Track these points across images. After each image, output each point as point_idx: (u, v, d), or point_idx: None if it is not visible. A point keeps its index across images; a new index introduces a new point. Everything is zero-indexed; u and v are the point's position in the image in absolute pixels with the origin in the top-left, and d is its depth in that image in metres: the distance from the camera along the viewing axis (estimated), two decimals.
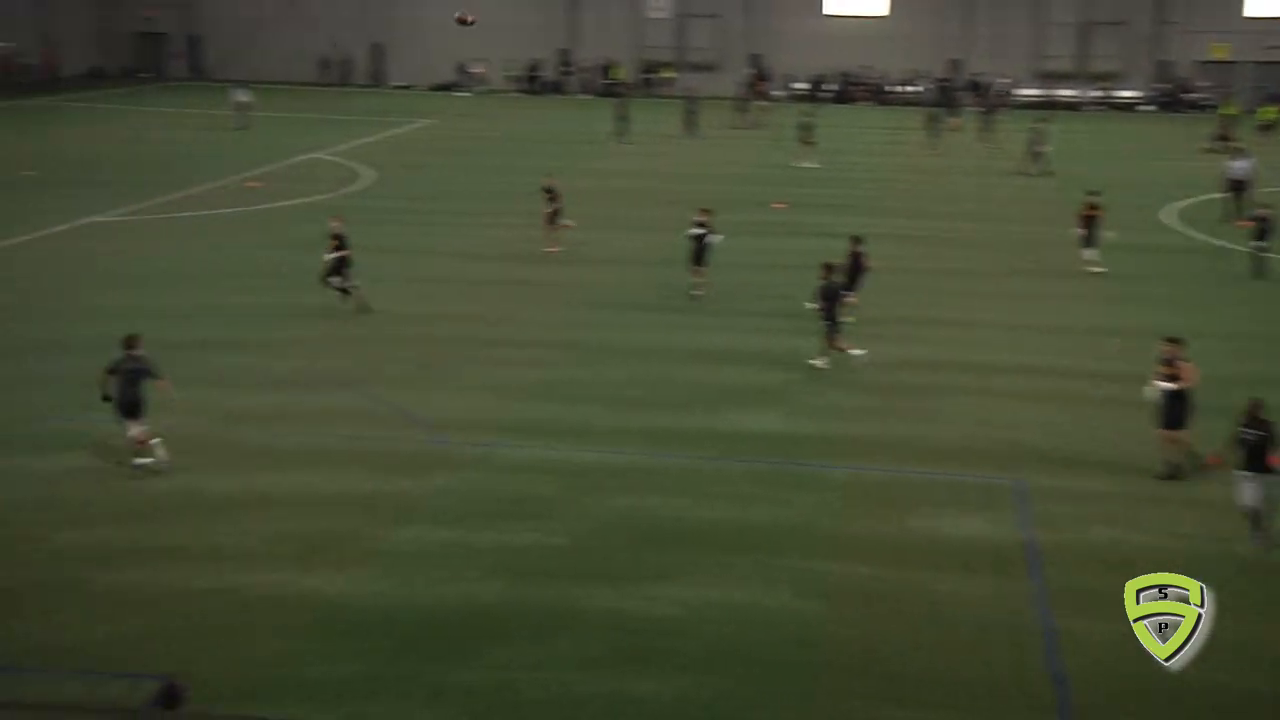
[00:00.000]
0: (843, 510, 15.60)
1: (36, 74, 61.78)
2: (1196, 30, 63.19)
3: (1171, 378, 16.57)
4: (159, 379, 16.24)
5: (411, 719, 11.31)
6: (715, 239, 24.93)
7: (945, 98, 59.13)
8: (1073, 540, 14.86)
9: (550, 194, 28.92)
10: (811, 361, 20.87)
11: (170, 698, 10.27)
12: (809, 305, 21.20)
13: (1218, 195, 35.19)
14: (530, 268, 27.58)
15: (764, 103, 56.41)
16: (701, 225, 24.93)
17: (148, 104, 58.36)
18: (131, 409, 16.04)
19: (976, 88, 62.17)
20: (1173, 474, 16.53)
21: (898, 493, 16.13)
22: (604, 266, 27.86)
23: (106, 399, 16.10)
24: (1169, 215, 35.00)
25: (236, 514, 15.12)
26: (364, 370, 20.44)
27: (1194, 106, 61.74)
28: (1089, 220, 27.72)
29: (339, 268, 23.54)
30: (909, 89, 64.83)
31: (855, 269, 23.17)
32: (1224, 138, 46.69)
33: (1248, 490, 14.63)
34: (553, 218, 28.82)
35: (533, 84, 67.37)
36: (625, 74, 66.11)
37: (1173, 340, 16.95)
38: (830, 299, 20.82)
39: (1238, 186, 34.14)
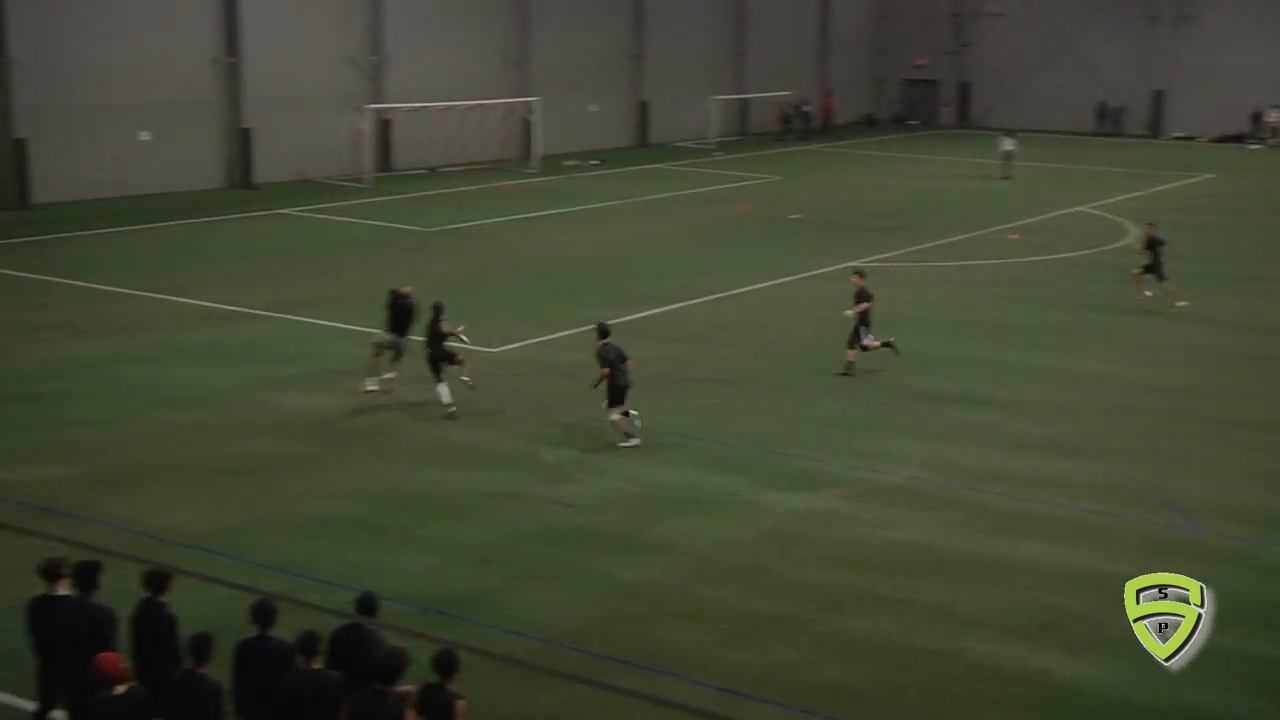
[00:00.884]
0: None
1: (814, 121, 66.52)
2: None
3: None
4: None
5: None
6: None
7: None
8: None
9: None
10: None
11: (366, 606, 10.66)
12: None
13: None
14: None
15: None
16: None
17: (914, 151, 60.74)
18: (617, 395, 19.02)
19: None
20: None
21: None
22: None
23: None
24: None
25: (969, 575, 15.20)
26: (1100, 439, 19.84)
27: None
28: None
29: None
30: None
31: None
32: None
33: None
34: None
35: None
36: None
37: None
38: None
39: None
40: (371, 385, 21.20)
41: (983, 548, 16.01)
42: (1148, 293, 28.25)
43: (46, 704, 10.99)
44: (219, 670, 10.05)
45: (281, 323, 26.01)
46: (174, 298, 27.74)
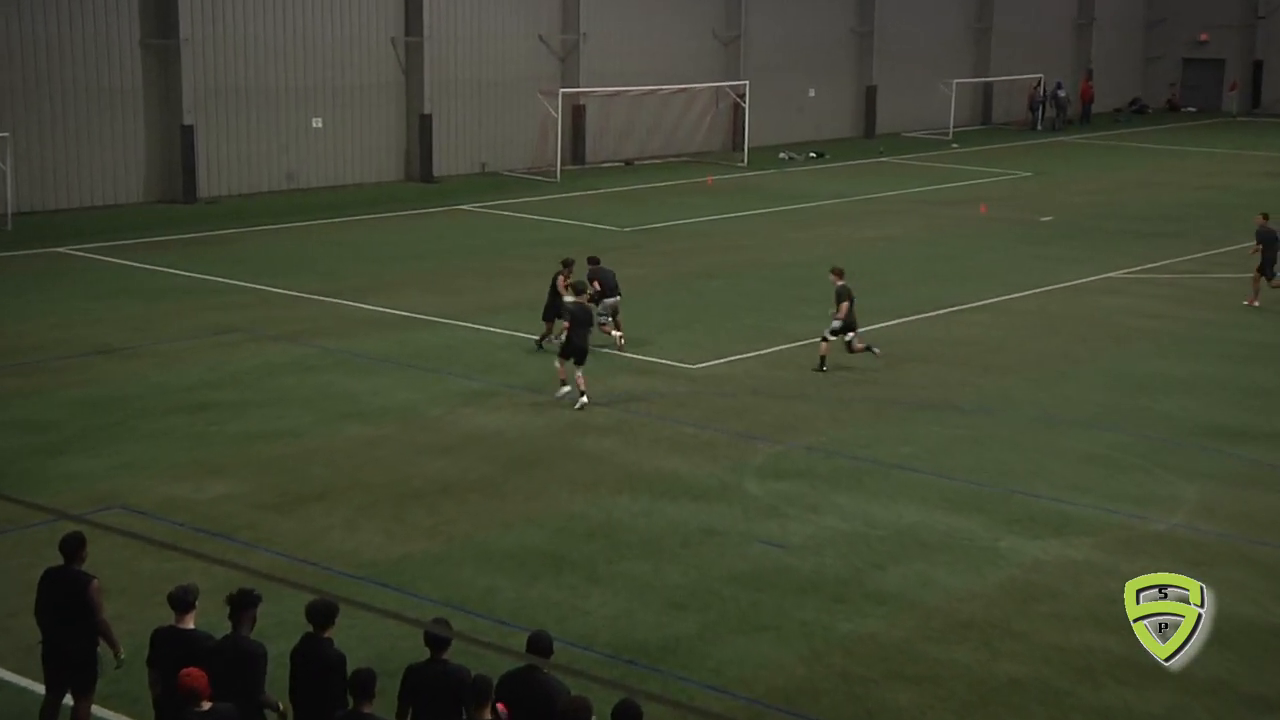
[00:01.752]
0: None
1: (1071, 108, 65.24)
2: None
3: None
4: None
5: None
6: None
7: None
8: None
9: None
10: None
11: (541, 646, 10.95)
12: None
13: None
14: None
15: None
16: None
17: (1192, 143, 59.03)
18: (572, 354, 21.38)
19: None
20: None
21: None
22: None
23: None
24: None
25: (1252, 647, 14.67)
26: None
27: None
28: None
29: None
30: None
31: None
32: None
33: None
34: None
35: None
36: None
37: None
38: None
39: None
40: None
41: (1270, 615, 15.45)
42: (1256, 302, 29.26)
43: None
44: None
45: (462, 330, 26.62)
46: (347, 301, 28.63)
